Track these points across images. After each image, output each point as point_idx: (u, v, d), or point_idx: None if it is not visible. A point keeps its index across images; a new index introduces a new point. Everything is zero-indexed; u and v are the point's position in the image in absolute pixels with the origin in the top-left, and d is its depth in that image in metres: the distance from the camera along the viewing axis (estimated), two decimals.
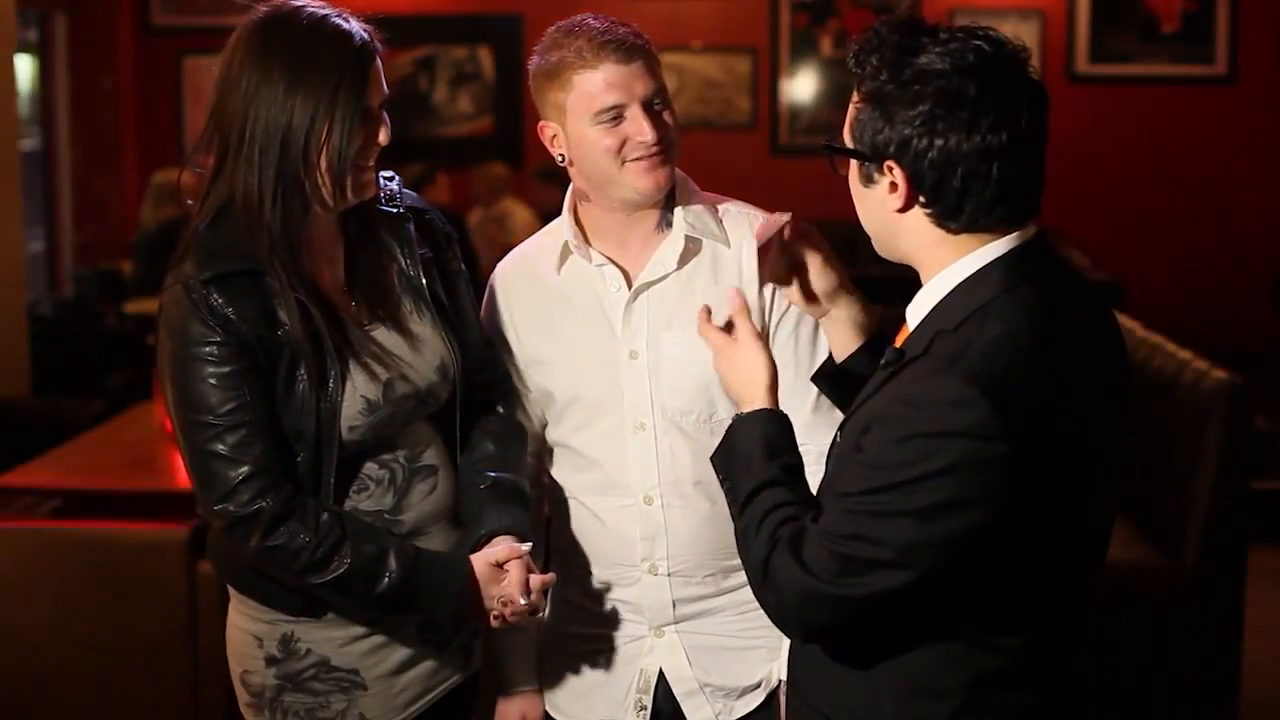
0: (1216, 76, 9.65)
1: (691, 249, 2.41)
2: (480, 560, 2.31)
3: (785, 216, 2.23)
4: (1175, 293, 9.55)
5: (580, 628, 2.52)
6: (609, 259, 2.43)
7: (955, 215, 1.86)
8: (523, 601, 2.28)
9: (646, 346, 2.40)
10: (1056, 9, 9.65)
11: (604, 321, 2.42)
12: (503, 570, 2.31)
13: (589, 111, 2.32)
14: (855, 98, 1.90)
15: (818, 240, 2.27)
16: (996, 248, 1.88)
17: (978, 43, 1.84)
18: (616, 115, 2.31)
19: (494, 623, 2.32)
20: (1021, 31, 9.57)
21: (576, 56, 2.31)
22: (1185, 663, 4.16)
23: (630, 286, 2.41)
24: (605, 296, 2.42)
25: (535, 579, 2.30)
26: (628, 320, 2.41)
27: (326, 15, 2.26)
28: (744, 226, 2.42)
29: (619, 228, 2.42)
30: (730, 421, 2.13)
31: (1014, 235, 1.88)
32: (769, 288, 2.40)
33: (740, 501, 2.02)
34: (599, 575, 2.49)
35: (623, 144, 2.31)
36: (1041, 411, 1.80)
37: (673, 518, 2.41)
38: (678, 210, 2.41)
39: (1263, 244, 9.58)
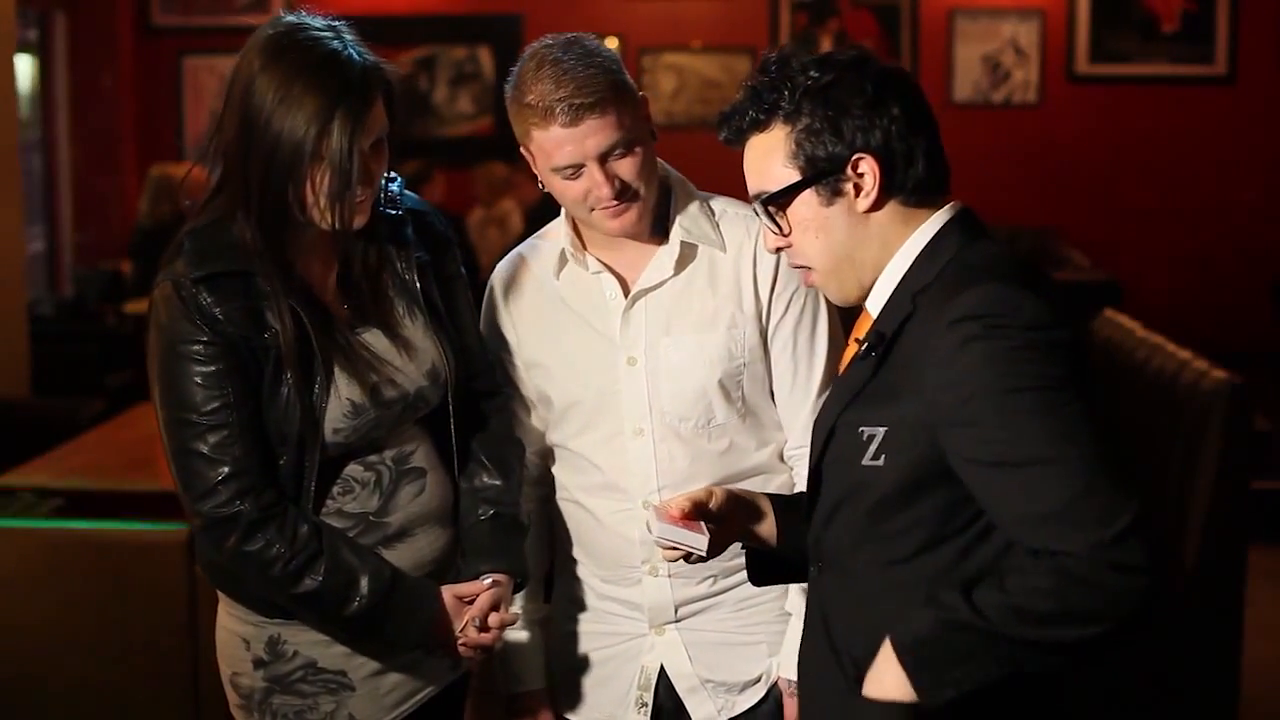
0: (1216, 76, 9.64)
1: (688, 255, 2.40)
2: (448, 593, 2.34)
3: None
4: (1175, 293, 9.54)
5: (582, 625, 2.53)
6: (606, 266, 2.42)
7: (925, 183, 1.91)
8: (479, 635, 2.30)
9: (645, 353, 2.40)
10: (1056, 9, 9.64)
11: (602, 327, 2.42)
12: (465, 604, 2.32)
13: (548, 165, 2.31)
14: (783, 130, 1.93)
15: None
16: (944, 214, 1.94)
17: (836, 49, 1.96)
18: (574, 171, 2.30)
19: (463, 652, 2.33)
20: (1021, 31, 9.58)
21: (530, 112, 2.28)
22: (1185, 663, 4.16)
23: (627, 293, 2.41)
24: (603, 303, 2.42)
25: (494, 616, 2.31)
26: (625, 326, 2.41)
27: (337, 50, 2.21)
28: (740, 229, 2.41)
29: (614, 238, 2.41)
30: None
31: (951, 204, 1.95)
32: (766, 289, 2.40)
33: (993, 640, 1.76)
34: (600, 574, 2.49)
35: (586, 193, 2.31)
36: (1058, 316, 1.82)
37: None
38: (674, 216, 2.40)
39: (1262, 244, 9.56)
